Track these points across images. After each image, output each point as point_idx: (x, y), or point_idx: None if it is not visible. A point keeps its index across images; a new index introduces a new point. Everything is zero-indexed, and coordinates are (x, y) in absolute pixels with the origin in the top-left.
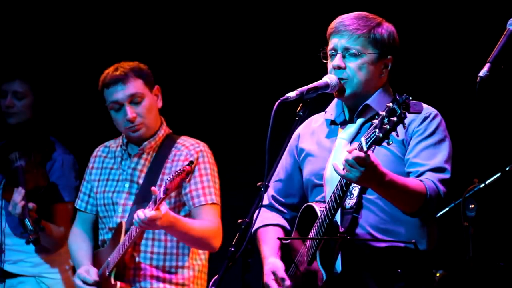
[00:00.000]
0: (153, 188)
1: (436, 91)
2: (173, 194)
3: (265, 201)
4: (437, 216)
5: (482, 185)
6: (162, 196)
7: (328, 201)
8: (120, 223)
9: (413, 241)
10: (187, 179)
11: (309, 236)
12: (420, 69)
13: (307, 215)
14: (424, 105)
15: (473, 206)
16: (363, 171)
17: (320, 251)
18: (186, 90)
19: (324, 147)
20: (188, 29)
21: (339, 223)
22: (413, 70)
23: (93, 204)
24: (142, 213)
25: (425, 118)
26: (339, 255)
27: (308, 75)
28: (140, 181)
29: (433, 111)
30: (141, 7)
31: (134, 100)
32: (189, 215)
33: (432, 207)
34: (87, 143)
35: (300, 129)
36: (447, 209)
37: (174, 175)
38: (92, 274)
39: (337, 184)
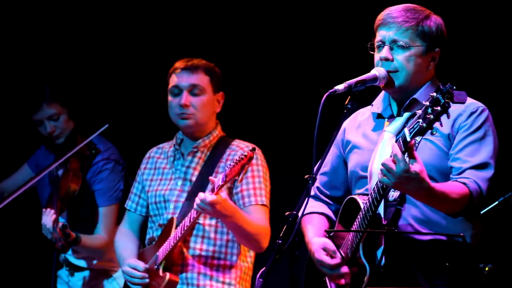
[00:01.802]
0: (211, 178)
1: (484, 84)
2: (225, 192)
3: (311, 192)
4: (485, 210)
5: None
6: (221, 183)
7: (371, 193)
8: (171, 219)
9: (462, 234)
10: (243, 172)
11: (351, 229)
12: (468, 62)
13: (350, 208)
14: (472, 100)
15: None
16: (395, 182)
17: (363, 243)
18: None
19: (371, 140)
20: (237, 26)
21: (382, 215)
22: (461, 63)
23: (142, 205)
24: (203, 195)
25: (471, 113)
26: (382, 248)
27: (356, 68)
28: (193, 179)
29: (480, 106)
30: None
31: (194, 90)
32: None
33: (474, 208)
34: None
35: (345, 123)
36: (496, 203)
37: (234, 162)
38: (139, 263)
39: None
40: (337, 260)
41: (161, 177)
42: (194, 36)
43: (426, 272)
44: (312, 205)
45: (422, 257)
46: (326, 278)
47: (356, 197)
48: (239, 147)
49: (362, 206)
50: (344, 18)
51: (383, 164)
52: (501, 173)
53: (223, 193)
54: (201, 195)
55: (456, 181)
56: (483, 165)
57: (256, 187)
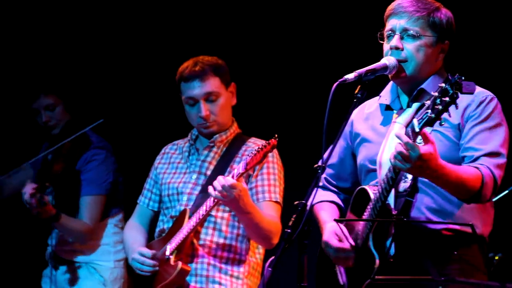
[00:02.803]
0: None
1: (493, 74)
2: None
3: (319, 183)
4: (496, 198)
5: None
6: (241, 171)
7: (381, 183)
8: (184, 210)
9: (471, 223)
10: (259, 167)
11: (362, 219)
12: (476, 53)
13: (361, 198)
14: (480, 89)
15: None
16: (410, 166)
17: (373, 233)
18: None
19: (380, 133)
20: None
21: (392, 206)
22: (469, 55)
23: (155, 201)
24: (223, 179)
25: (480, 102)
26: (393, 238)
27: (365, 58)
28: (208, 173)
29: (489, 94)
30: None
31: (210, 98)
32: None
33: (487, 193)
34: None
35: (353, 115)
36: (506, 192)
37: (256, 150)
38: (149, 250)
39: (390, 167)
40: (343, 244)
41: (175, 170)
42: (194, 29)
43: (436, 261)
44: (322, 194)
45: (432, 247)
46: (337, 267)
47: (366, 187)
48: (256, 144)
49: (372, 197)
50: (355, 8)
51: (398, 153)
52: (511, 161)
53: (243, 184)
54: (220, 179)
55: (469, 166)
56: (495, 153)
57: (270, 183)
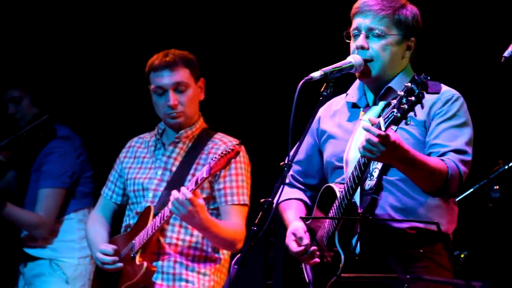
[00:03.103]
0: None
1: (459, 71)
2: (206, 185)
3: (286, 180)
4: (461, 197)
5: (507, 166)
6: (205, 175)
7: (347, 181)
8: (148, 207)
9: (436, 221)
10: (227, 168)
11: (328, 217)
12: (443, 51)
13: (327, 196)
14: (447, 87)
15: (497, 187)
16: (383, 150)
17: (339, 231)
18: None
19: (346, 130)
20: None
21: (358, 204)
22: (436, 52)
23: (118, 194)
24: (177, 192)
25: (447, 100)
26: (358, 236)
27: (332, 55)
28: (173, 169)
29: (456, 93)
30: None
31: (179, 88)
32: (216, 209)
33: (453, 187)
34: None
35: (320, 112)
36: (471, 190)
37: (220, 155)
38: (111, 246)
39: (356, 165)
40: (301, 248)
41: (141, 165)
42: (163, 24)
43: (401, 259)
44: (288, 191)
45: (397, 245)
46: (303, 265)
47: (332, 185)
48: (222, 142)
49: (338, 195)
50: (320, 6)
51: (367, 140)
52: (476, 160)
53: (201, 200)
54: (175, 192)
55: (435, 157)
56: (461, 151)
57: (239, 185)
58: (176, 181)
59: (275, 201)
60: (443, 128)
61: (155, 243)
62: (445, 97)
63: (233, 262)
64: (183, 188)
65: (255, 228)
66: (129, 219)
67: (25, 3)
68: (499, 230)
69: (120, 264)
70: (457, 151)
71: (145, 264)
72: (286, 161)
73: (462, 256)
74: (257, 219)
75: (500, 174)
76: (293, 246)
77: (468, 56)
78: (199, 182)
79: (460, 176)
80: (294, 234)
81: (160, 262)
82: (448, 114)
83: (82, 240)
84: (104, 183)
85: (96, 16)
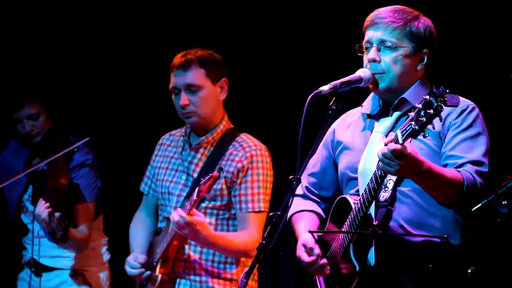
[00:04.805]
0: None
1: (472, 86)
2: (224, 192)
3: (299, 191)
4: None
5: None
6: (195, 198)
7: (363, 193)
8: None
9: (445, 236)
10: (242, 175)
11: (342, 229)
12: (458, 64)
13: (341, 207)
14: (462, 98)
15: (506, 202)
16: (401, 163)
17: (354, 243)
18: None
19: (360, 141)
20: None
21: (373, 216)
22: (451, 65)
23: (154, 190)
24: (176, 213)
25: (462, 111)
26: (373, 248)
27: (344, 69)
28: (195, 175)
29: (471, 104)
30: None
31: (190, 88)
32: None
33: (469, 199)
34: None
35: (335, 124)
36: (479, 205)
37: (206, 179)
38: (139, 259)
39: (372, 177)
40: (312, 257)
41: (168, 166)
42: (175, 30)
43: (415, 273)
44: (302, 203)
45: (411, 258)
46: (316, 277)
47: (347, 197)
48: (242, 147)
49: (353, 206)
50: (335, 19)
51: (383, 154)
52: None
53: (201, 217)
54: (174, 214)
55: (452, 169)
56: (478, 162)
57: (254, 192)
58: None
59: (288, 214)
60: (459, 140)
61: (179, 250)
62: (460, 107)
63: (242, 275)
64: (179, 210)
65: (264, 242)
66: (160, 222)
67: (32, 19)
68: (507, 245)
69: (148, 273)
70: (473, 163)
71: (159, 277)
72: (295, 175)
73: (470, 271)
74: (265, 233)
75: (508, 189)
76: (304, 257)
77: (483, 70)
78: (192, 203)
79: (476, 188)
80: (304, 246)
81: (187, 270)
82: (463, 125)
83: (101, 247)
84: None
85: (108, 23)
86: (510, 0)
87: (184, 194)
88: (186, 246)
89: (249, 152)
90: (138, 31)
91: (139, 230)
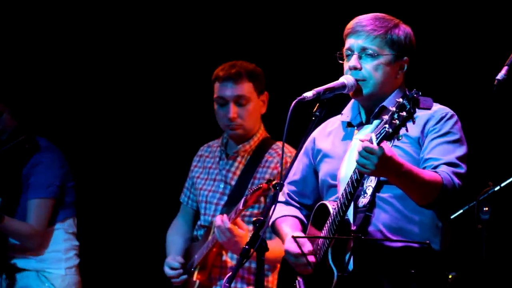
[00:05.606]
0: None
1: (452, 93)
2: (261, 198)
3: (281, 198)
4: (451, 218)
5: (497, 188)
6: (241, 207)
7: (340, 198)
8: (212, 222)
9: (427, 241)
10: (265, 195)
11: (321, 235)
12: (437, 71)
13: (321, 213)
14: (440, 106)
15: (487, 209)
16: (376, 163)
17: (332, 249)
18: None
19: (340, 149)
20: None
21: (351, 221)
22: (430, 72)
23: (193, 200)
24: (219, 219)
25: (441, 118)
26: (351, 253)
27: (326, 75)
28: (233, 183)
29: (450, 111)
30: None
31: (240, 101)
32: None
33: (447, 199)
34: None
35: (315, 132)
36: (461, 211)
37: (253, 190)
38: (178, 259)
39: (348, 181)
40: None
41: (207, 176)
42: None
43: (395, 279)
44: (284, 209)
45: (391, 264)
46: (296, 282)
47: (326, 202)
48: (277, 153)
49: (331, 212)
50: (315, 26)
51: (360, 152)
52: (466, 182)
53: (243, 231)
54: (217, 219)
55: (429, 170)
56: (454, 164)
57: None
58: (235, 197)
59: (271, 220)
60: (437, 144)
61: (216, 257)
62: (439, 114)
63: (224, 280)
64: (224, 217)
65: (246, 247)
66: (197, 230)
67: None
68: (489, 251)
69: (185, 276)
70: (449, 164)
71: (197, 282)
72: (277, 181)
73: (450, 277)
74: (249, 238)
75: (489, 196)
76: (293, 248)
77: (463, 77)
78: (237, 212)
79: (455, 188)
80: (295, 239)
81: (222, 277)
82: (442, 130)
83: (68, 251)
84: (84, 194)
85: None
86: (490, 6)
87: (222, 202)
88: (224, 253)
89: (284, 159)
90: (131, 27)
91: (176, 237)
